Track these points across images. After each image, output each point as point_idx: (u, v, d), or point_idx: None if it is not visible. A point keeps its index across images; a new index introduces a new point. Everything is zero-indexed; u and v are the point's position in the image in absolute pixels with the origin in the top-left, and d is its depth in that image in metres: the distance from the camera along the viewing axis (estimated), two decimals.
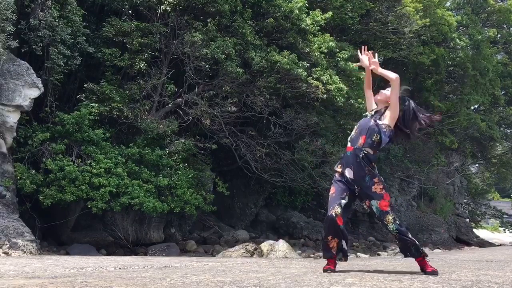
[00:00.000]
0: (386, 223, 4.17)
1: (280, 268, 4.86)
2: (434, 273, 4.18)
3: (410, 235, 4.24)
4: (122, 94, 10.61)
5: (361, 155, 4.25)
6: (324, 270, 4.29)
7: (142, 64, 10.61)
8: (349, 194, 4.30)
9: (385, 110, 4.42)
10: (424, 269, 4.25)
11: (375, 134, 4.30)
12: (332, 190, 4.34)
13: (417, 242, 4.25)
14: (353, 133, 4.44)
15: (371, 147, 4.30)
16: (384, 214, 4.18)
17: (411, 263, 6.04)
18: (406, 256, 4.32)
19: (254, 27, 11.95)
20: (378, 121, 4.36)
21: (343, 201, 4.23)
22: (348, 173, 4.26)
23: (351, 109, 12.76)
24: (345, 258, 4.37)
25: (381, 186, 4.24)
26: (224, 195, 12.18)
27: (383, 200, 4.21)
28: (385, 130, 4.32)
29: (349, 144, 4.39)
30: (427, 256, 4.29)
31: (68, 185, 9.09)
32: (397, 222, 4.19)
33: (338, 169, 4.37)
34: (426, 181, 20.26)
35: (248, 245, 9.71)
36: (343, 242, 4.27)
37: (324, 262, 4.51)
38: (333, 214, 4.18)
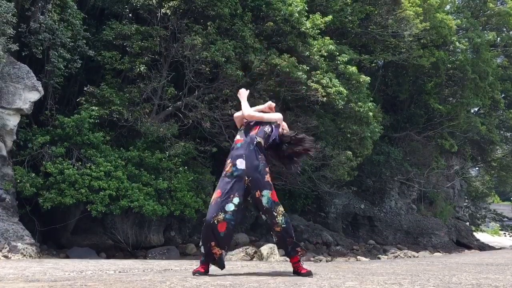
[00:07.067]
0: (276, 214, 4.00)
1: (280, 271, 4.85)
2: (309, 274, 4.07)
3: (292, 233, 4.11)
4: (122, 97, 10.62)
5: (254, 143, 4.15)
6: (194, 273, 4.00)
7: (142, 67, 10.63)
8: (241, 193, 4.03)
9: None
10: (298, 271, 4.12)
11: (267, 126, 4.30)
12: (218, 193, 4.04)
13: (295, 241, 4.10)
14: (239, 136, 4.30)
15: (263, 138, 4.23)
16: (276, 204, 4.03)
17: (412, 266, 6.03)
18: (285, 254, 4.16)
19: (254, 30, 11.97)
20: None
21: (230, 204, 3.97)
22: (240, 164, 4.06)
23: (351, 112, 12.78)
24: (222, 266, 4.10)
25: (270, 177, 4.13)
26: None
27: (274, 191, 4.08)
28: (274, 124, 4.35)
29: (238, 137, 4.26)
30: (303, 255, 4.15)
31: (68, 188, 9.08)
32: (286, 215, 4.06)
33: (228, 168, 4.12)
34: (426, 184, 20.25)
35: (248, 248, 9.68)
36: (223, 251, 4.04)
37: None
38: (215, 221, 3.93)
